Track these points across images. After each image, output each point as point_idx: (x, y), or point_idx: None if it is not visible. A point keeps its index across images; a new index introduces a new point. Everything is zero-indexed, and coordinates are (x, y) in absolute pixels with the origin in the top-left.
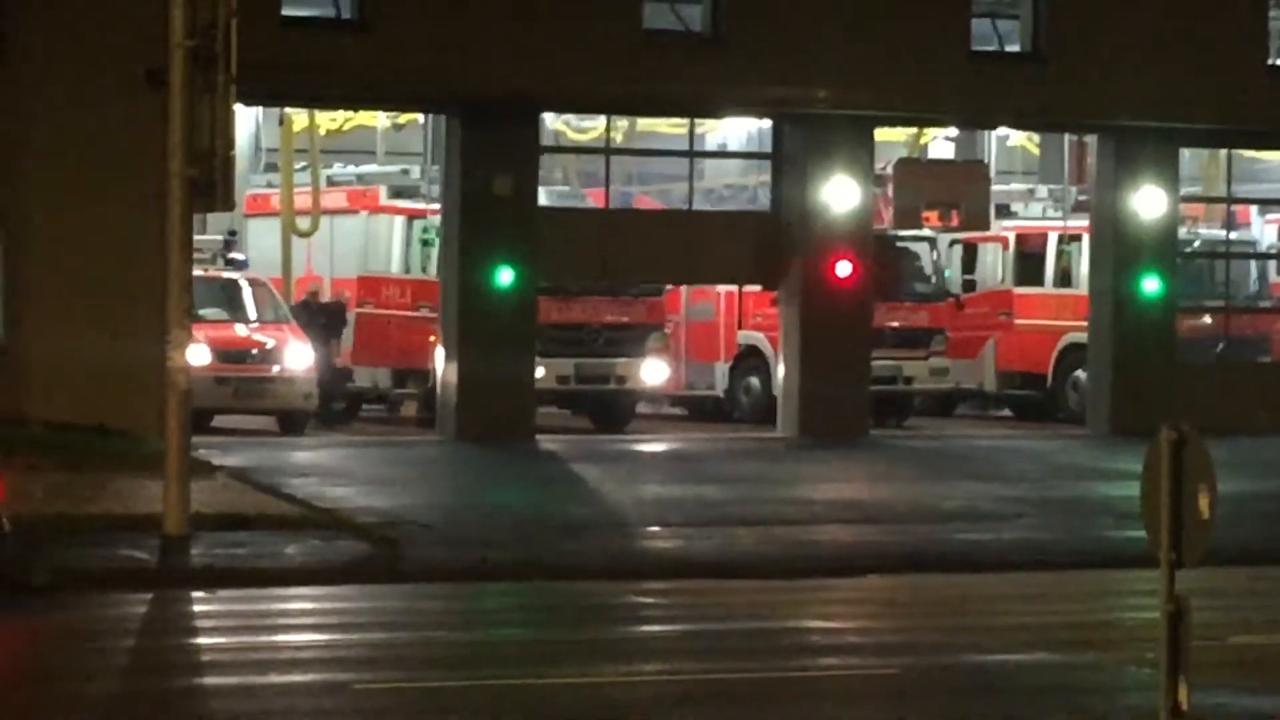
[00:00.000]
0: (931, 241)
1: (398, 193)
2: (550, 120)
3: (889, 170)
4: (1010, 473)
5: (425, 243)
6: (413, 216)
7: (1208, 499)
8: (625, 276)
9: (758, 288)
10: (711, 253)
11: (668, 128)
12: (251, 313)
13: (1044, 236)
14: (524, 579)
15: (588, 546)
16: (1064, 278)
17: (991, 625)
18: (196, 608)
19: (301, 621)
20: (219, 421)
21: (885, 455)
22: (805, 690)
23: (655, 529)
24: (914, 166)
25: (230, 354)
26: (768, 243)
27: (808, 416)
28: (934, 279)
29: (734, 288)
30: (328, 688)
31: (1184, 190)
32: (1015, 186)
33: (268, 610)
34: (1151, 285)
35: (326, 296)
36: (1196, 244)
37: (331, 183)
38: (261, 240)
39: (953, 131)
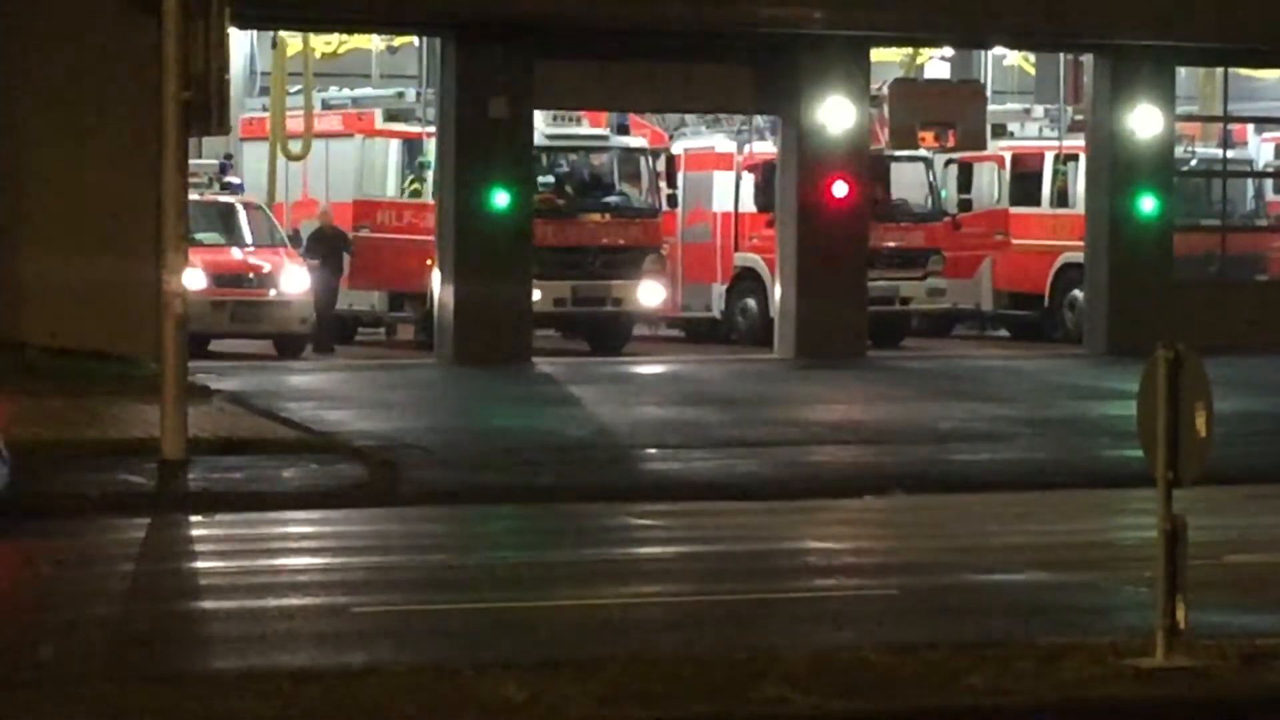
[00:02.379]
0: (927, 162)
1: (393, 116)
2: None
3: (885, 91)
4: (1007, 393)
5: (421, 165)
6: (408, 140)
7: (1204, 417)
8: (626, 104)
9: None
10: (712, 81)
11: None
12: (247, 236)
13: (1040, 156)
14: (522, 501)
15: (585, 469)
16: (1060, 197)
17: (988, 545)
18: (194, 532)
19: (299, 545)
20: (216, 346)
21: (882, 376)
22: (804, 611)
23: (652, 451)
24: (910, 87)
25: (226, 278)
26: (767, 71)
27: (804, 338)
28: (930, 199)
29: (730, 209)
30: (326, 611)
31: (1180, 109)
32: (1011, 106)
33: (265, 534)
34: (1148, 204)
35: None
36: (1193, 163)
37: (327, 106)
38: (257, 164)
39: (949, 51)
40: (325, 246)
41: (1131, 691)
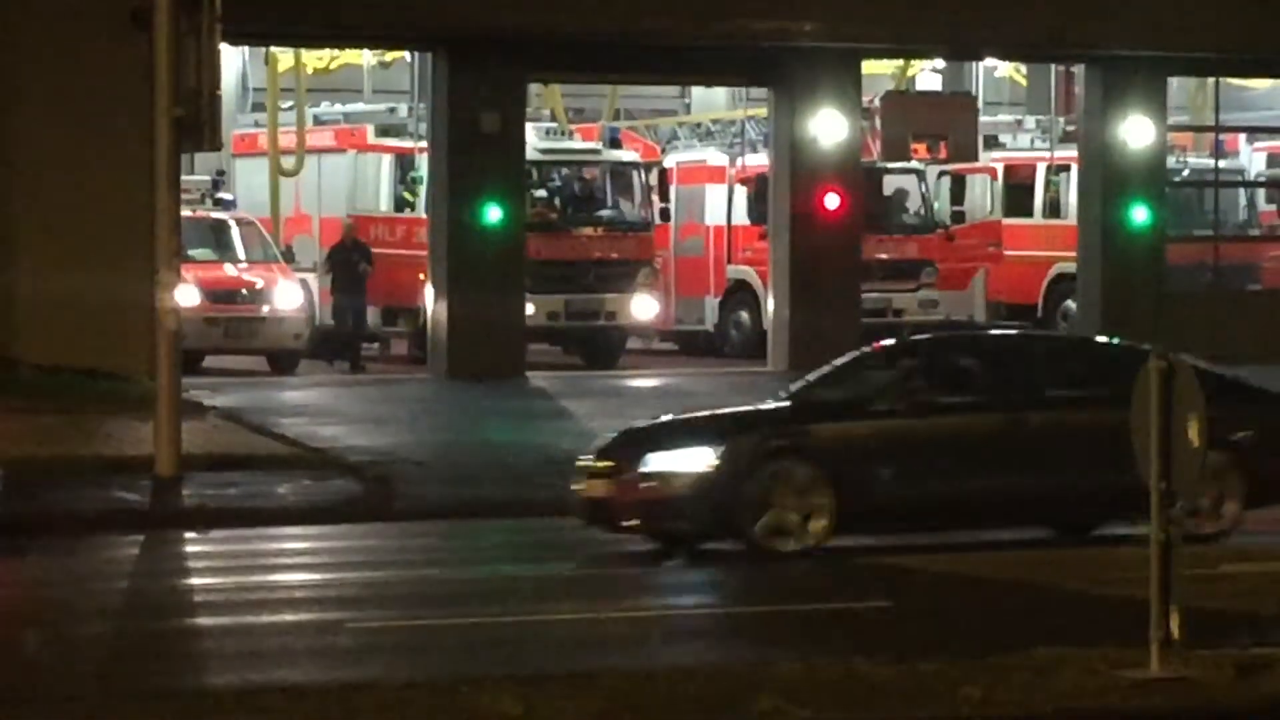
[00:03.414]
0: (920, 173)
1: (385, 131)
2: None
3: (876, 103)
4: None
5: (414, 180)
6: (400, 155)
7: (1197, 427)
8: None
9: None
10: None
11: None
12: (240, 253)
13: (1033, 167)
14: (516, 516)
15: None
16: (1053, 208)
17: (981, 556)
18: (189, 548)
19: (294, 561)
20: (209, 362)
21: None
22: (798, 624)
23: None
24: (902, 98)
25: (220, 294)
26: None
27: (798, 350)
28: (923, 211)
29: (723, 222)
30: (321, 626)
31: (1172, 119)
32: (1003, 118)
33: (260, 550)
34: (1140, 215)
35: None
36: (1185, 173)
37: (319, 122)
38: (249, 180)
39: (940, 63)
40: (347, 260)
41: (1126, 702)
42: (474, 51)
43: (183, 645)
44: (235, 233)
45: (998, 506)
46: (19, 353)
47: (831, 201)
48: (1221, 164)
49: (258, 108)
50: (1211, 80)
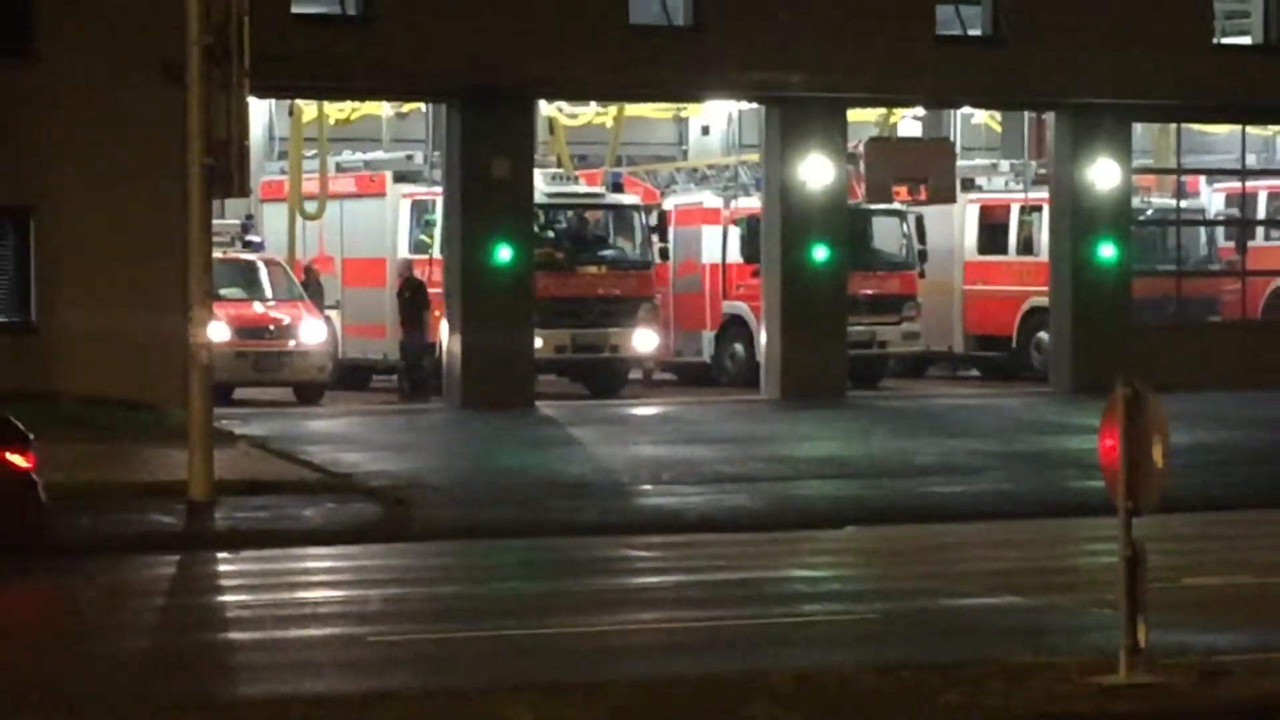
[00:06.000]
0: (901, 214)
1: (402, 177)
2: (544, 107)
3: (861, 148)
4: (979, 429)
5: (429, 223)
6: (417, 200)
7: (1161, 450)
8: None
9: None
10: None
11: (654, 112)
12: (268, 291)
13: (1007, 208)
14: (527, 536)
15: (586, 505)
16: (1026, 246)
17: (964, 571)
18: (221, 568)
19: (320, 579)
20: (239, 394)
21: (862, 414)
22: (791, 635)
23: (648, 487)
24: (884, 144)
25: (249, 330)
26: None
27: (789, 380)
28: (905, 249)
29: (718, 260)
30: (345, 640)
31: (1137, 162)
32: (979, 162)
33: (288, 569)
34: (1108, 251)
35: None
36: (1149, 213)
37: (341, 169)
38: (276, 224)
39: (920, 111)
40: (407, 298)
41: (1096, 707)
42: (485, 102)
43: (216, 659)
44: (263, 273)
45: None
46: (62, 386)
47: (820, 253)
48: (1183, 204)
49: (283, 156)
50: (1173, 126)
